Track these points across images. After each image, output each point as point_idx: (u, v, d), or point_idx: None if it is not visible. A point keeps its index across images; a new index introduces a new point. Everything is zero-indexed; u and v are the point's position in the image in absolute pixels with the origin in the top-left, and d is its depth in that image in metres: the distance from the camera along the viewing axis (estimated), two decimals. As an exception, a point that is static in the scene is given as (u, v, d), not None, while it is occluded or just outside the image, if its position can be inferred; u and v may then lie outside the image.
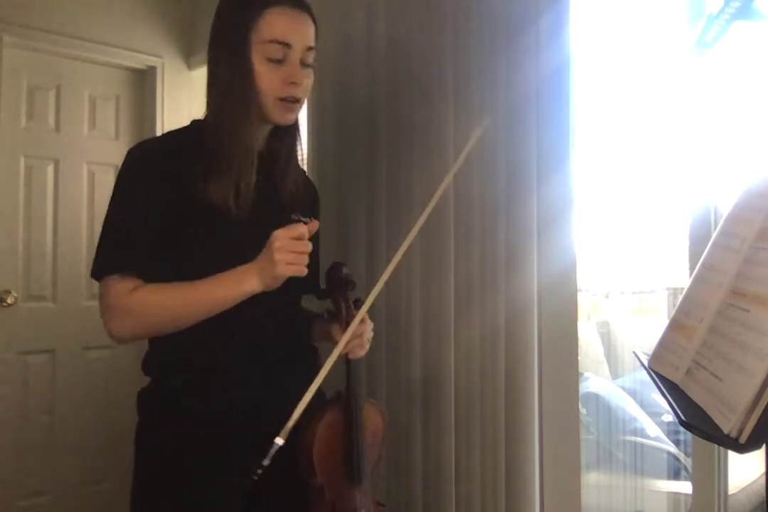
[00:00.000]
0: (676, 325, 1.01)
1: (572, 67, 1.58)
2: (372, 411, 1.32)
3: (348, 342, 1.16)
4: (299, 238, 1.09)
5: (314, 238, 1.34)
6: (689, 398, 0.85)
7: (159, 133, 2.76)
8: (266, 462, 1.01)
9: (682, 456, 2.45)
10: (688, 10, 1.45)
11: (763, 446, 0.75)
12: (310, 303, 1.39)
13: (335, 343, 1.16)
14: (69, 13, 2.66)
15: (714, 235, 1.01)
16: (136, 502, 1.20)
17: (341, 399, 1.27)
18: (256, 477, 1.02)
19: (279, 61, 1.18)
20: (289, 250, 1.07)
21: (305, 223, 1.14)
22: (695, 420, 0.77)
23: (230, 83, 1.19)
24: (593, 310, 3.13)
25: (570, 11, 1.56)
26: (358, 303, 1.25)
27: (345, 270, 1.28)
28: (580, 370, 1.94)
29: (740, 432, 0.70)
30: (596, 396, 2.65)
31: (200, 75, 2.89)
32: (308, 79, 1.23)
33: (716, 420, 0.74)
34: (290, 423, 1.03)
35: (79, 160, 2.76)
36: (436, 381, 1.70)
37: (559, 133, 1.57)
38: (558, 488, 1.59)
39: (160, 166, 1.17)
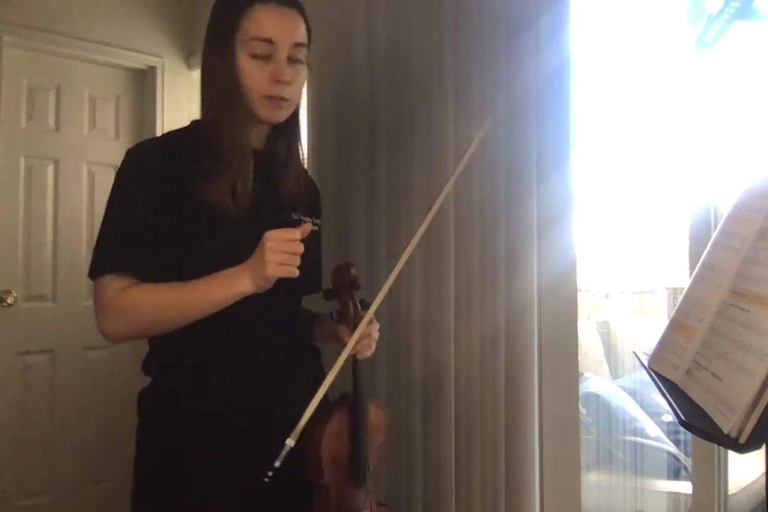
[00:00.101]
0: (676, 325, 1.01)
1: (572, 67, 1.59)
2: (375, 410, 1.32)
3: (356, 343, 1.17)
4: (292, 239, 1.08)
5: (316, 239, 1.34)
6: (689, 398, 0.85)
7: (159, 133, 2.77)
8: (277, 464, 1.01)
9: (682, 456, 2.44)
10: (688, 10, 1.45)
11: (763, 446, 0.75)
12: (312, 303, 1.39)
13: (343, 344, 1.17)
14: (69, 13, 2.66)
15: (714, 235, 1.01)
16: (136, 502, 1.20)
17: (347, 400, 1.27)
18: (267, 480, 1.02)
19: (265, 58, 1.18)
20: (280, 251, 1.06)
21: (305, 223, 1.14)
22: (695, 420, 0.77)
23: (217, 81, 1.19)
24: (593, 310, 3.13)
25: (570, 11, 1.56)
26: (363, 304, 1.25)
27: (353, 271, 1.28)
28: (580, 370, 1.93)
29: (740, 432, 0.70)
30: (596, 396, 2.64)
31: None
32: (299, 76, 1.22)
33: (716, 420, 0.74)
34: (301, 424, 1.03)
35: (79, 160, 2.76)
36: (436, 381, 1.70)
37: (559, 133, 1.57)
38: (558, 488, 1.59)
39: (159, 166, 1.17)
